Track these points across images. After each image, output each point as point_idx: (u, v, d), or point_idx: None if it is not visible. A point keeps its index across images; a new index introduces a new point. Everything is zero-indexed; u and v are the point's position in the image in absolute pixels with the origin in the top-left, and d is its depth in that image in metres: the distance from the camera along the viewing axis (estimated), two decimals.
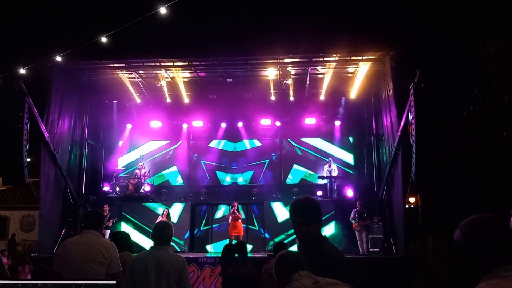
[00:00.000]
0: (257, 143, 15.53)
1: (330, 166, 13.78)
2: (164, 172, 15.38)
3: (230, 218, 12.04)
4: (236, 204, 12.10)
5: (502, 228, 1.76)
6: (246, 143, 15.49)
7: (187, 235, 13.22)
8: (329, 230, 12.93)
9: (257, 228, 13.56)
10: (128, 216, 13.37)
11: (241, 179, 15.21)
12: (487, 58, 5.67)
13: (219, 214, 13.85)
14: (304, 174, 15.04)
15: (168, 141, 15.57)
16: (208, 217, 13.92)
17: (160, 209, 12.88)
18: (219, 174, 15.37)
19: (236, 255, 7.12)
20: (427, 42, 9.80)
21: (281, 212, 13.22)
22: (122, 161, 15.35)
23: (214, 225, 13.72)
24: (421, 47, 9.89)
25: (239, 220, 11.91)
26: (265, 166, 15.33)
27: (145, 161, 14.78)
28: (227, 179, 15.26)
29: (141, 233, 13.11)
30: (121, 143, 15.59)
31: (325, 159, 14.28)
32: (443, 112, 8.42)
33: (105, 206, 12.47)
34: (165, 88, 13.62)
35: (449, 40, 9.45)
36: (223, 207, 13.83)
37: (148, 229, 12.76)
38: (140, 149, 15.38)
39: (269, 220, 13.20)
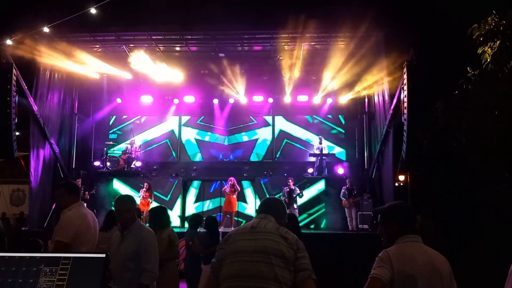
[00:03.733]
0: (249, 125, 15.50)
1: (320, 143, 13.81)
2: (155, 147, 15.31)
3: (227, 192, 12.10)
4: (233, 179, 12.13)
5: (406, 211, 2.70)
6: (238, 118, 15.43)
7: (179, 211, 13.29)
8: (318, 205, 13.08)
9: (248, 204, 13.65)
10: (119, 192, 13.36)
11: (233, 156, 15.20)
12: (480, 36, 5.61)
13: (210, 190, 13.90)
14: (295, 151, 15.07)
15: (159, 116, 15.44)
16: (200, 193, 13.96)
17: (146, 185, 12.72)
18: (211, 151, 15.35)
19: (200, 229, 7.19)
20: (421, 19, 9.69)
21: (271, 189, 13.32)
22: (112, 136, 15.23)
23: (205, 201, 13.79)
24: (415, 24, 9.77)
25: (234, 196, 11.97)
26: (257, 142, 15.32)
27: (136, 136, 14.68)
28: (219, 155, 15.25)
29: None
30: (112, 118, 15.45)
31: (317, 135, 14.29)
32: (436, 90, 8.41)
33: (77, 180, 12.36)
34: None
35: (444, 18, 9.36)
36: (214, 183, 13.88)
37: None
38: (131, 124, 15.25)
39: (261, 197, 13.30)
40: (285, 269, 2.43)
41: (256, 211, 2.94)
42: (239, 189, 12.22)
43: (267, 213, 2.75)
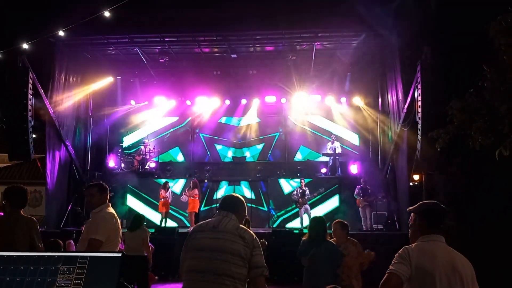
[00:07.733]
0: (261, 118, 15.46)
1: (333, 143, 13.74)
2: (168, 149, 15.40)
3: (185, 196, 12.24)
4: (193, 182, 12.27)
5: (435, 212, 2.69)
6: (251, 119, 15.42)
7: None
8: (332, 205, 13.00)
9: (265, 208, 13.59)
10: (136, 190, 13.52)
11: (248, 154, 15.17)
12: (497, 33, 5.53)
13: (222, 191, 13.92)
14: (308, 151, 15.01)
15: (172, 117, 15.52)
16: (211, 193, 13.98)
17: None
18: (223, 151, 15.38)
19: None
20: (435, 17, 9.59)
21: (286, 186, 13.33)
22: (127, 138, 15.36)
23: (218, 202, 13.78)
24: (428, 22, 9.68)
25: (191, 198, 11.99)
26: (274, 142, 15.27)
27: (149, 138, 14.79)
28: (229, 154, 15.24)
29: (147, 206, 13.42)
30: (125, 119, 15.56)
31: (328, 138, 14.22)
32: (450, 88, 8.31)
33: (92, 181, 12.47)
34: None
35: (458, 15, 9.24)
36: (225, 184, 13.96)
37: (155, 201, 13.01)
38: (144, 126, 15.36)
39: (276, 195, 13.30)
40: (242, 266, 2.74)
41: (217, 208, 3.11)
42: (190, 195, 12.05)
43: (228, 210, 2.96)
